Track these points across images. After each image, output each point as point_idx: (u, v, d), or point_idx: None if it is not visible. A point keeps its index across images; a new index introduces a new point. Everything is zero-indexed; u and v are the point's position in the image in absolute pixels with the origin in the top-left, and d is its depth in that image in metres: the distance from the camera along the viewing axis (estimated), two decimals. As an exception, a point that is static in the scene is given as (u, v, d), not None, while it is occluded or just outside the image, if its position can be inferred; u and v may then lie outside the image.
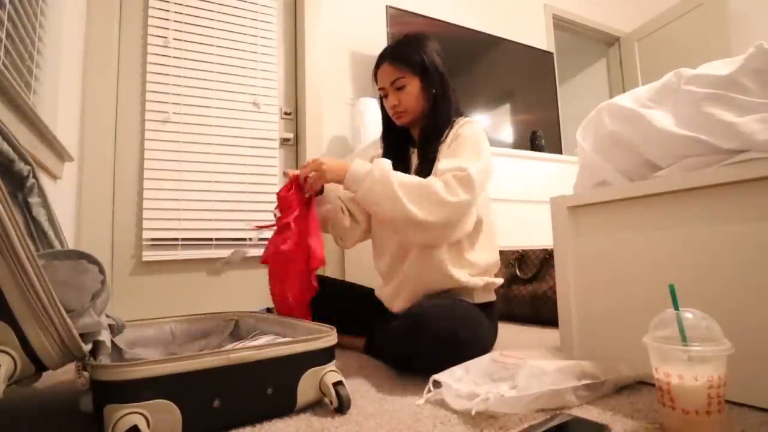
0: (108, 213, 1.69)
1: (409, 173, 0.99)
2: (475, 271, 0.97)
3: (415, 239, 0.92)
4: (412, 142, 1.11)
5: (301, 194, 1.00)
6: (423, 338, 0.79)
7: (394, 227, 0.92)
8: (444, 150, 0.98)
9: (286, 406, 0.63)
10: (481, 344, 0.91)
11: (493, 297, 1.03)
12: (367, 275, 1.38)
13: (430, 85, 1.02)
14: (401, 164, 1.04)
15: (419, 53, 1.02)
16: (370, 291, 1.16)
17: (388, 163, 0.92)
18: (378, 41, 2.21)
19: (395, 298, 1.03)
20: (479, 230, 0.99)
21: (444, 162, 0.92)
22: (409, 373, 0.86)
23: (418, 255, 0.95)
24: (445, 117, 1.02)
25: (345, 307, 1.11)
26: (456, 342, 0.80)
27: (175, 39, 1.84)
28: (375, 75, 1.07)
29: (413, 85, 1.02)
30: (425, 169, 0.97)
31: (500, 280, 1.04)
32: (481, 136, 0.97)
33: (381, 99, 1.09)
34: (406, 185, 0.87)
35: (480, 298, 0.99)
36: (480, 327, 0.91)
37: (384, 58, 1.04)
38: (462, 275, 0.94)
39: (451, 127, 1.01)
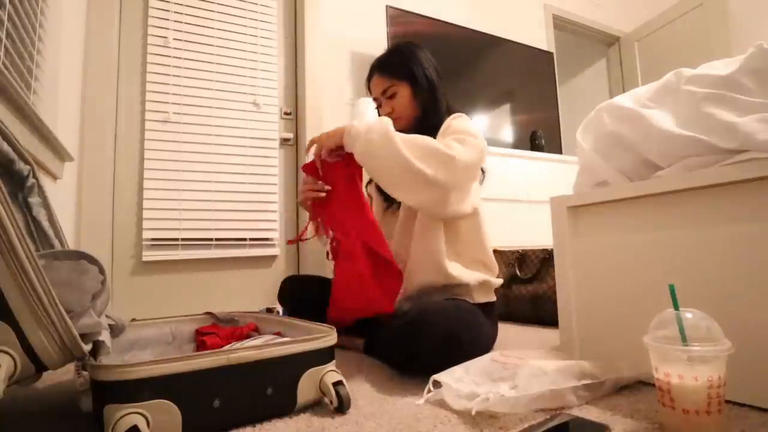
0: (108, 213, 1.69)
1: None
2: (468, 263, 0.99)
3: (420, 197, 0.89)
4: None
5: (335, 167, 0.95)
6: (423, 340, 0.79)
7: (394, 184, 0.89)
8: (444, 132, 1.00)
9: (286, 406, 0.63)
10: (482, 345, 0.91)
11: (492, 297, 1.04)
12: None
13: (419, 91, 1.06)
14: None
15: (407, 62, 1.07)
16: None
17: (388, 120, 0.90)
18: (378, 41, 2.21)
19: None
20: (473, 222, 1.01)
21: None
22: (409, 373, 0.86)
23: (417, 240, 0.97)
24: (437, 120, 1.04)
25: None
26: (457, 343, 0.80)
27: (175, 39, 1.84)
28: (368, 86, 1.12)
29: (404, 93, 1.06)
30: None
31: (499, 281, 1.04)
32: (470, 123, 0.99)
33: (377, 108, 1.14)
34: (408, 141, 0.86)
35: (479, 298, 0.99)
36: (481, 327, 0.91)
37: (374, 69, 1.09)
38: (455, 269, 0.96)
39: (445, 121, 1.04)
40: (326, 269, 2.03)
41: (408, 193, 0.89)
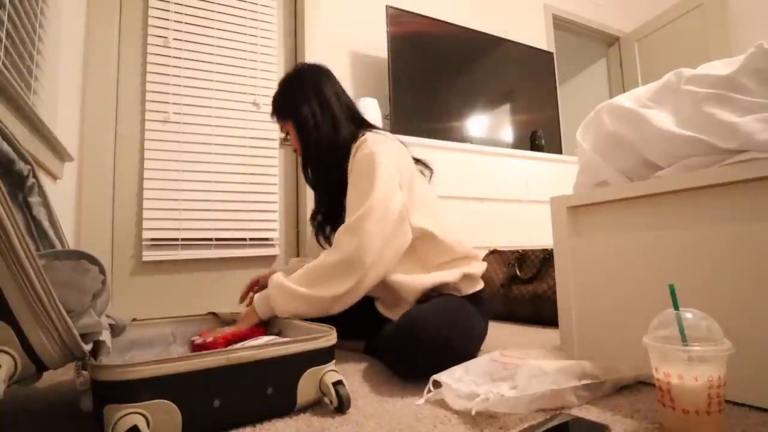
0: (108, 213, 1.69)
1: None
2: (442, 265, 0.98)
3: (353, 297, 0.88)
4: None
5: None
6: (415, 348, 0.79)
7: (324, 310, 0.88)
8: (350, 177, 0.98)
9: (286, 406, 0.63)
10: (474, 339, 0.91)
11: (479, 285, 1.02)
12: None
13: (303, 126, 1.08)
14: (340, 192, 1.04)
15: (285, 101, 1.12)
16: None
17: (278, 275, 0.91)
18: (378, 41, 2.21)
19: (386, 309, 1.04)
20: (424, 239, 0.97)
21: (348, 203, 0.95)
22: (407, 378, 0.86)
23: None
24: (333, 146, 1.04)
25: (344, 311, 1.11)
26: (448, 346, 0.80)
27: (175, 39, 1.84)
28: None
29: (292, 130, 1.11)
30: (329, 194, 1.07)
31: (481, 265, 1.03)
32: (369, 159, 0.93)
33: None
34: (304, 277, 0.88)
35: (466, 289, 0.98)
36: (471, 322, 0.91)
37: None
38: (433, 277, 0.95)
39: (350, 152, 1.01)
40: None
41: (342, 306, 0.88)
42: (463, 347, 0.83)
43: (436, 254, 0.99)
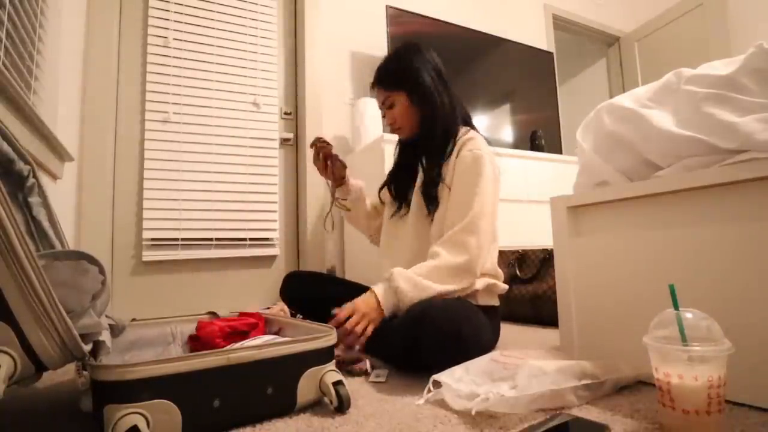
0: (108, 213, 1.69)
1: (414, 184, 1.06)
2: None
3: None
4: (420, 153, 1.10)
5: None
6: (425, 335, 0.79)
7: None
8: (448, 171, 1.00)
9: (286, 406, 0.63)
10: (482, 343, 0.91)
11: (496, 302, 1.04)
12: (368, 272, 1.38)
13: (417, 100, 1.03)
14: (409, 175, 1.09)
15: (402, 71, 1.05)
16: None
17: (399, 271, 0.90)
18: (378, 41, 2.21)
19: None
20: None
21: (450, 209, 0.97)
22: (410, 370, 0.86)
23: (420, 257, 0.98)
24: (438, 130, 1.02)
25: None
26: (458, 337, 0.80)
27: (175, 39, 1.84)
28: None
29: (401, 103, 1.05)
30: (428, 184, 1.01)
31: (504, 287, 1.04)
32: (480, 162, 0.96)
33: (383, 117, 1.16)
34: (429, 274, 0.90)
35: (483, 301, 0.99)
36: (482, 325, 0.91)
37: (374, 80, 1.09)
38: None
39: (455, 142, 1.02)
40: (326, 266, 2.03)
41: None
42: (471, 340, 0.83)
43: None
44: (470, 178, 0.96)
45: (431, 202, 1.01)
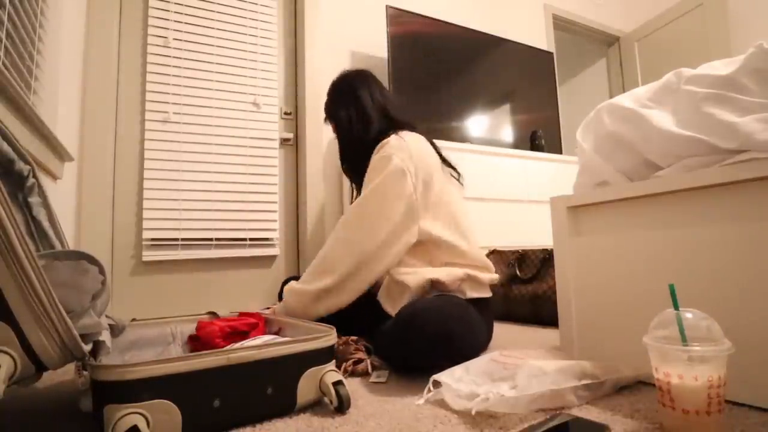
0: (108, 213, 1.69)
1: None
2: (452, 263, 1.00)
3: (366, 280, 0.97)
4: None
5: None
6: (415, 339, 0.79)
7: (351, 293, 0.98)
8: (366, 175, 1.06)
9: (286, 406, 0.63)
10: (474, 340, 0.91)
11: (485, 293, 1.03)
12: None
13: (341, 128, 1.19)
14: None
15: (329, 105, 1.24)
16: (372, 292, 1.16)
17: (290, 285, 1.03)
18: (378, 41, 2.21)
19: (386, 302, 1.04)
20: (433, 239, 1.00)
21: None
22: (408, 372, 0.86)
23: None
24: (351, 154, 1.17)
25: (346, 311, 1.11)
26: (448, 338, 0.80)
27: (175, 39, 1.84)
28: None
29: (336, 131, 1.22)
30: (360, 190, 1.12)
31: (492, 276, 1.04)
32: (381, 162, 1.00)
33: None
34: (308, 274, 1.00)
35: (471, 293, 0.98)
36: (472, 322, 0.91)
37: None
38: (436, 272, 0.96)
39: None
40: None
41: (361, 284, 0.98)
42: (462, 339, 0.83)
43: (444, 255, 1.01)
44: (370, 174, 1.01)
45: None
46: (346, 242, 0.97)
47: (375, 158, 1.03)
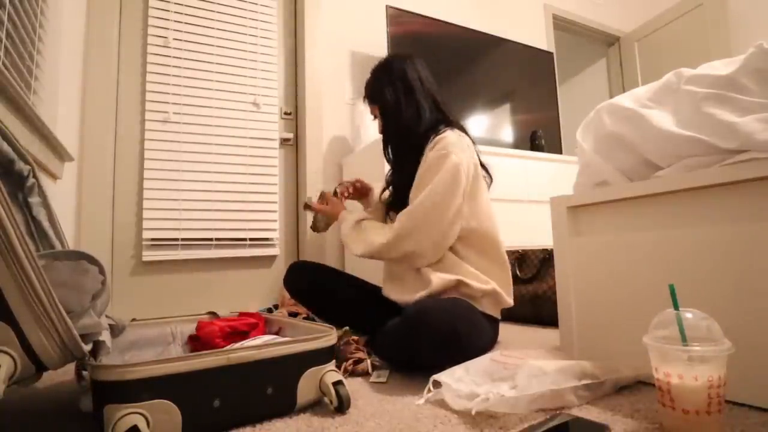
0: (108, 213, 1.69)
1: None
2: (482, 273, 0.99)
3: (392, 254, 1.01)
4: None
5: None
6: (422, 336, 0.80)
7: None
8: (420, 168, 1.03)
9: (286, 406, 0.63)
10: (480, 341, 0.91)
11: (497, 314, 1.04)
12: (367, 272, 1.38)
13: (391, 111, 1.12)
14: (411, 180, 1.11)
15: (378, 85, 1.15)
16: (375, 288, 1.16)
17: (352, 217, 1.11)
18: (378, 41, 2.21)
19: (397, 292, 1.05)
20: (476, 236, 1.02)
21: (412, 193, 1.03)
22: (410, 371, 0.86)
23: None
24: (400, 140, 1.11)
25: (348, 301, 1.12)
26: (455, 337, 0.80)
27: (175, 39, 1.84)
28: None
29: (380, 114, 1.16)
30: (401, 180, 1.08)
31: (509, 301, 1.04)
32: (441, 160, 0.98)
33: None
34: (361, 235, 1.07)
35: (486, 309, 0.99)
36: (479, 324, 0.91)
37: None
38: (469, 275, 0.96)
39: (428, 142, 1.04)
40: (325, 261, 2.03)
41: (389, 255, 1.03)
42: (469, 339, 0.84)
43: (491, 252, 1.03)
44: (428, 175, 0.99)
45: (400, 204, 1.05)
46: (414, 229, 0.98)
47: (431, 155, 1.00)
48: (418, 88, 1.11)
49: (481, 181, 1.05)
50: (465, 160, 0.99)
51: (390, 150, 1.15)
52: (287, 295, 1.33)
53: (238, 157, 1.92)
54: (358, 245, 1.04)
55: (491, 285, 0.98)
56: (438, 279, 0.96)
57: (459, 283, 0.96)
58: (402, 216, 0.99)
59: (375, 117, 1.20)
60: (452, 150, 0.98)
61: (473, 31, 2.40)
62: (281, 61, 2.14)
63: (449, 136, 1.01)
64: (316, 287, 1.13)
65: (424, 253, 0.98)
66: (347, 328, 1.00)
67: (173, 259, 1.78)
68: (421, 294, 0.96)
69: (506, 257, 1.06)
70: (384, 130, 1.16)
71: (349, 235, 1.08)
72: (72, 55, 1.50)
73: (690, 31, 2.88)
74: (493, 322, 1.02)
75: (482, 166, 1.12)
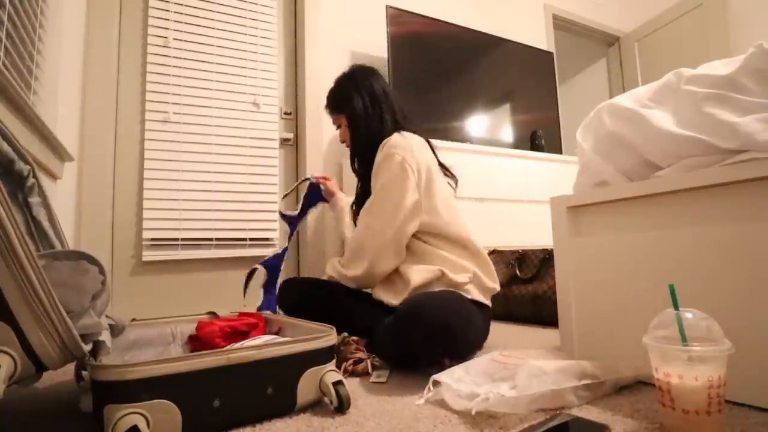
0: (108, 213, 1.69)
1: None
2: (450, 264, 1.01)
3: (374, 277, 1.06)
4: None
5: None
6: (414, 333, 0.80)
7: (377, 278, 1.07)
8: (372, 173, 1.07)
9: (286, 406, 0.63)
10: (471, 335, 0.92)
11: (486, 300, 1.04)
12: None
13: (354, 121, 1.17)
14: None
15: (343, 96, 1.20)
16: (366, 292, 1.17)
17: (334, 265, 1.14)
18: (378, 41, 2.21)
19: (387, 294, 1.05)
20: (436, 232, 1.04)
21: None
22: (407, 367, 0.87)
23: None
24: (364, 148, 1.14)
25: (348, 306, 1.12)
26: (447, 330, 0.81)
27: (175, 39, 1.84)
28: None
29: (344, 124, 1.21)
30: (363, 196, 1.14)
31: (495, 286, 1.05)
32: (386, 160, 1.02)
33: None
34: (346, 259, 1.10)
35: (475, 295, 0.99)
36: (470, 317, 0.91)
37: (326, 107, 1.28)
38: (420, 271, 0.98)
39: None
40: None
41: (363, 284, 1.09)
42: (460, 332, 0.84)
43: (456, 250, 1.04)
44: (374, 179, 1.04)
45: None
46: (356, 244, 1.05)
47: (378, 157, 1.05)
48: (383, 100, 1.17)
49: (435, 178, 1.06)
50: (411, 158, 1.01)
51: (356, 162, 1.20)
52: None
53: (238, 157, 1.92)
54: (348, 282, 1.09)
55: (471, 270, 1.00)
56: (417, 274, 0.97)
57: (441, 273, 0.97)
58: (356, 230, 1.06)
59: (338, 127, 1.25)
60: (395, 151, 1.01)
61: (473, 31, 2.40)
62: (281, 61, 2.13)
63: (393, 138, 1.05)
64: (307, 297, 1.14)
65: (381, 254, 1.01)
66: (345, 334, 1.00)
67: (173, 259, 1.78)
68: (405, 295, 0.96)
69: (479, 245, 1.07)
70: (351, 141, 1.20)
71: (337, 276, 1.12)
72: (72, 55, 1.50)
73: (690, 31, 2.88)
74: (484, 309, 1.02)
75: (441, 165, 1.16)
